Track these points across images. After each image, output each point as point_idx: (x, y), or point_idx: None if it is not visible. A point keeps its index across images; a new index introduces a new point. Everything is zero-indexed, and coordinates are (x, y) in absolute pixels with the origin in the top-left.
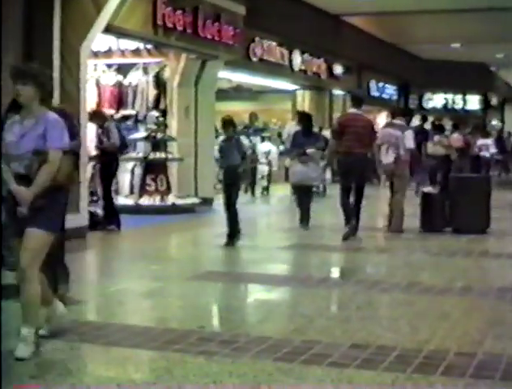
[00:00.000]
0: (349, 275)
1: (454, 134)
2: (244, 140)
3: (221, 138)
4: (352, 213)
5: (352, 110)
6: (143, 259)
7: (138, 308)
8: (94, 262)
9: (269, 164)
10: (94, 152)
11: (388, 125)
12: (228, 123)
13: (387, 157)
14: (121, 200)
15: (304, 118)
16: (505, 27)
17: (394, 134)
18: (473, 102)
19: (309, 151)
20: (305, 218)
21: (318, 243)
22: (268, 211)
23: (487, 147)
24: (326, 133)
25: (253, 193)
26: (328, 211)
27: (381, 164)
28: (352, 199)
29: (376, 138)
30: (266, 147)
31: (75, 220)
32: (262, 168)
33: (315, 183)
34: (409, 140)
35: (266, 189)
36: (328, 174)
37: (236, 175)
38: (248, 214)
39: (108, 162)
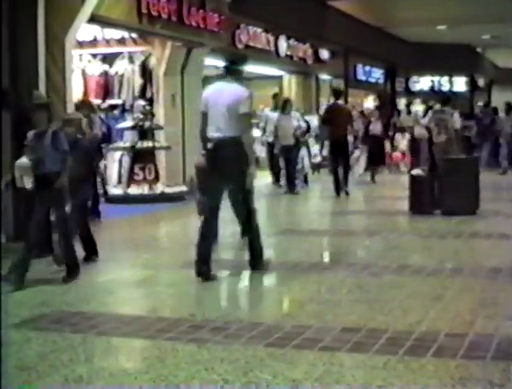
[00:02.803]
0: (339, 259)
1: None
2: None
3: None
4: (338, 183)
5: (334, 101)
6: (134, 248)
7: (130, 297)
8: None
9: None
10: None
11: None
12: None
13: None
14: (110, 190)
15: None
16: (490, 8)
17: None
18: (460, 84)
19: None
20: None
21: (307, 228)
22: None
23: (469, 128)
24: (310, 117)
25: None
26: (315, 198)
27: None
28: (340, 171)
29: (352, 123)
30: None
31: None
32: None
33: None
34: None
35: None
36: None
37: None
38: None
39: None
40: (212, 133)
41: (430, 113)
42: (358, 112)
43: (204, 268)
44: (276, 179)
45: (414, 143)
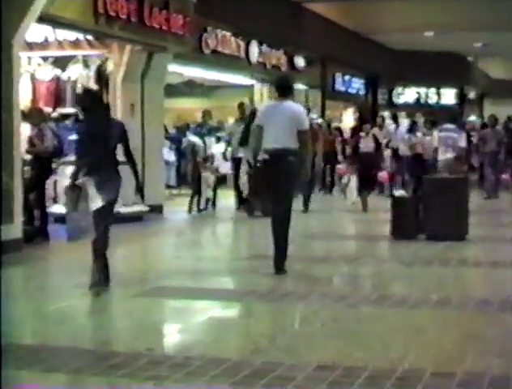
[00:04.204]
0: (313, 288)
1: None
2: (196, 141)
3: None
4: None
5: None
6: (85, 274)
7: (80, 328)
8: (31, 277)
9: (216, 169)
10: (25, 156)
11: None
12: None
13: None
14: (60, 208)
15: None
16: (482, 14)
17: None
18: (448, 96)
19: None
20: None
21: None
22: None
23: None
24: None
25: (197, 205)
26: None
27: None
28: None
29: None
30: (222, 149)
31: (9, 231)
32: (207, 175)
33: None
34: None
35: (209, 201)
36: None
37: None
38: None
39: (40, 168)
40: (269, 145)
41: (436, 131)
42: (335, 128)
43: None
44: (240, 201)
45: (398, 161)
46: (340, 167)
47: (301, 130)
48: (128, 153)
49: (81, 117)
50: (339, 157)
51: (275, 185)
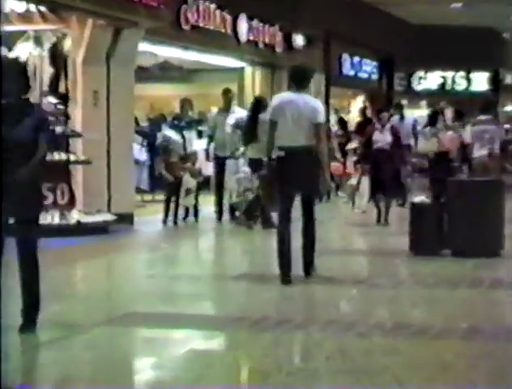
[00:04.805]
0: (316, 315)
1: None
2: (174, 136)
3: None
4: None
5: None
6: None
7: (35, 363)
8: None
9: (198, 172)
10: None
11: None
12: None
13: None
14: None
15: None
16: None
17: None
18: (480, 81)
19: None
20: None
21: (273, 273)
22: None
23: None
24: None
25: (174, 215)
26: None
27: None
28: None
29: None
30: (203, 146)
31: None
32: (186, 178)
33: None
34: None
35: (192, 212)
36: None
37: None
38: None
39: None
40: (284, 142)
41: (469, 126)
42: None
43: (290, 276)
44: (221, 211)
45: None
46: (335, 165)
47: (316, 122)
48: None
49: None
50: (337, 154)
51: (293, 187)
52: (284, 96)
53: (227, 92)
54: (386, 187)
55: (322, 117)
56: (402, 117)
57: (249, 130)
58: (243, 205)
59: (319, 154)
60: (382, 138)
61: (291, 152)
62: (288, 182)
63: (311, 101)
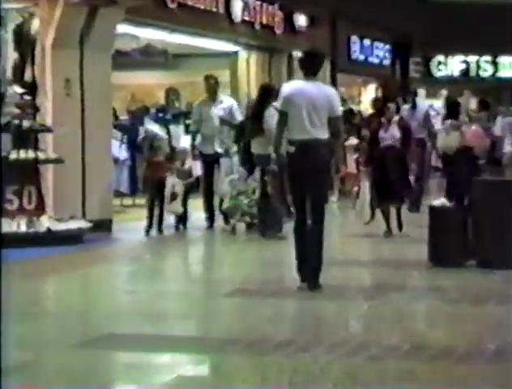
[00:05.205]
0: (322, 335)
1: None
2: (158, 131)
3: None
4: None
5: None
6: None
7: None
8: None
9: (188, 173)
10: None
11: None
12: None
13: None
14: None
15: None
16: None
17: None
18: (509, 66)
19: None
20: None
21: (272, 287)
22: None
23: None
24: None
25: (159, 223)
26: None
27: None
28: None
29: None
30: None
31: None
32: (173, 180)
33: None
34: None
35: (181, 219)
36: None
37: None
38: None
39: None
40: (296, 135)
41: (499, 117)
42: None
43: (314, 281)
44: (211, 217)
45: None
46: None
47: (334, 116)
48: None
49: None
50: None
51: (305, 186)
52: (296, 84)
53: (208, 78)
54: (394, 191)
55: (339, 109)
56: (413, 106)
57: (254, 123)
58: (238, 210)
59: (334, 149)
60: (389, 135)
61: (303, 147)
62: (301, 181)
63: (326, 90)
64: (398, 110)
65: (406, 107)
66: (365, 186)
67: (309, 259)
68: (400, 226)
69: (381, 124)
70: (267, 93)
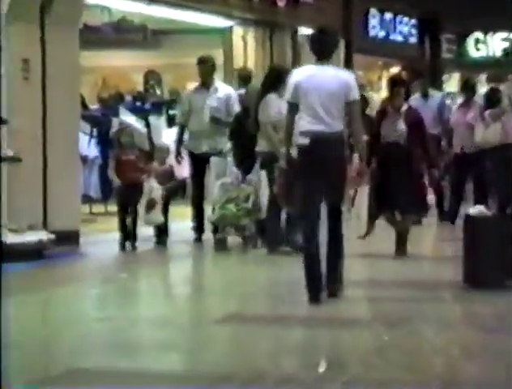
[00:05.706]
0: (333, 371)
1: None
2: (134, 123)
3: None
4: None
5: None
6: None
7: None
8: None
9: (170, 174)
10: None
11: None
12: None
13: None
14: None
15: None
16: None
17: None
18: None
19: None
20: None
21: (274, 312)
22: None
23: None
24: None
25: (133, 236)
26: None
27: None
28: None
29: None
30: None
31: None
32: (151, 185)
33: None
34: None
35: (160, 234)
36: None
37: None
38: None
39: None
40: (308, 126)
41: None
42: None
43: (332, 287)
44: (200, 227)
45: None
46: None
47: (350, 100)
48: None
49: None
50: None
51: (320, 184)
52: (306, 70)
53: (205, 62)
54: (398, 199)
55: (357, 94)
56: (425, 95)
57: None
58: (225, 221)
59: (354, 138)
60: (395, 127)
61: (318, 139)
62: (316, 178)
63: (342, 75)
64: (407, 97)
65: (416, 96)
66: (363, 191)
67: (327, 267)
68: (403, 247)
69: (386, 114)
70: (279, 78)
